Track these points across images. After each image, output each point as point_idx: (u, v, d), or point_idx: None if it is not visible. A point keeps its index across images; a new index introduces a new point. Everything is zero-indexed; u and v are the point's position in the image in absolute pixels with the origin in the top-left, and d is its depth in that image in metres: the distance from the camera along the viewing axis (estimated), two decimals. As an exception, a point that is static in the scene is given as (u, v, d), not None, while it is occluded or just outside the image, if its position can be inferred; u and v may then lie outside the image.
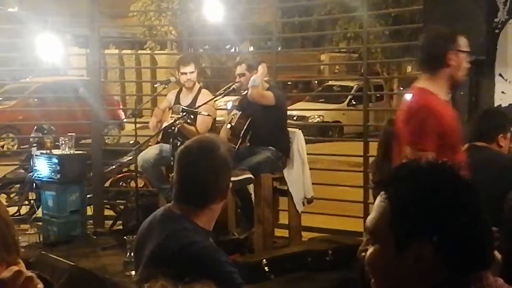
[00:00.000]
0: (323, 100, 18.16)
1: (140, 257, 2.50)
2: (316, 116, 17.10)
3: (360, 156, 7.05)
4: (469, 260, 1.37)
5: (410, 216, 1.38)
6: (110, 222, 7.52)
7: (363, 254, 1.47)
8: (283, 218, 6.54)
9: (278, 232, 6.58)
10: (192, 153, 2.45)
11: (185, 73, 6.23)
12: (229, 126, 5.99)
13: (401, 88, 19.46)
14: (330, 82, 20.18)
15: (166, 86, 7.03)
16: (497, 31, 5.54)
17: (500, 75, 5.61)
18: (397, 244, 1.38)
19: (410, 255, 1.37)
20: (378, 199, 1.44)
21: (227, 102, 13.68)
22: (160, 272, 1.13)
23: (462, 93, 5.83)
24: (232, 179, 2.56)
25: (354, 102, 17.31)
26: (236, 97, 6.22)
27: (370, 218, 1.46)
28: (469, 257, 1.37)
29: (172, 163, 5.53)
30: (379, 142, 4.29)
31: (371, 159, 6.89)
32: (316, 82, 20.78)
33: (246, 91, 6.07)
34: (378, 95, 17.38)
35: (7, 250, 3.13)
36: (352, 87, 17.85)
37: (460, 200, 1.38)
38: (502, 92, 5.59)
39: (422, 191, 1.38)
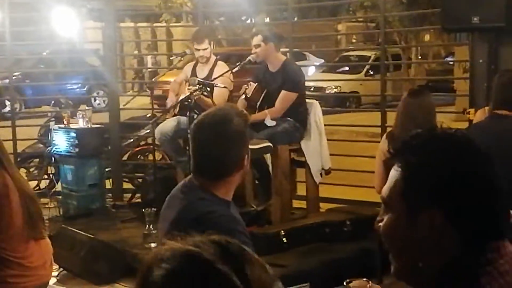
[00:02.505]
0: (340, 70, 18.06)
1: (161, 230, 2.54)
2: (333, 87, 17.02)
3: (378, 126, 7.02)
4: (481, 229, 1.36)
5: (421, 184, 1.37)
6: (129, 195, 7.58)
7: (379, 224, 1.48)
8: (301, 190, 6.55)
9: (296, 203, 6.60)
10: (204, 128, 2.47)
11: (199, 50, 6.24)
12: (243, 97, 5.99)
13: (419, 57, 19.31)
14: (347, 52, 20.04)
15: (182, 59, 7.02)
16: (517, -3, 5.46)
17: (520, 42, 5.53)
18: (409, 212, 1.38)
19: (422, 224, 1.36)
20: (393, 169, 1.44)
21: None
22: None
23: (481, 61, 5.77)
24: (251, 147, 2.57)
25: (371, 72, 17.20)
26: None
27: (385, 188, 1.46)
28: (481, 226, 1.36)
29: (189, 135, 5.56)
30: (398, 113, 4.24)
31: (389, 129, 6.87)
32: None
33: (261, 62, 6.06)
34: (396, 64, 17.24)
35: (33, 226, 3.18)
36: (370, 57, 17.73)
37: (470, 168, 1.37)
38: (522, 60, 5.52)
39: (433, 159, 1.38)
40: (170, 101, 6.30)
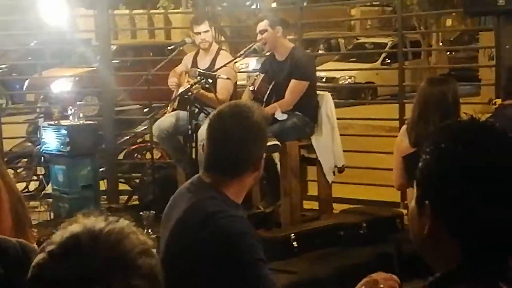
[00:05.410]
0: (354, 59, 18.02)
1: (164, 231, 2.55)
2: (347, 77, 16.99)
3: (396, 119, 7.02)
4: (485, 245, 1.31)
5: (430, 175, 1.36)
6: (125, 197, 7.61)
7: None
8: (312, 189, 6.56)
9: (307, 205, 6.61)
10: (224, 119, 2.52)
11: (199, 33, 6.23)
12: (251, 89, 5.99)
13: (441, 44, 19.25)
14: (362, 39, 20.01)
15: (182, 48, 7.03)
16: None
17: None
18: (417, 199, 1.39)
19: (423, 217, 1.36)
20: None
21: (248, 63, 13.66)
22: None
23: (507, 46, 5.77)
24: None
25: (388, 61, 17.17)
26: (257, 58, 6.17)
27: None
28: (484, 242, 1.31)
29: (189, 132, 5.58)
30: (416, 103, 4.27)
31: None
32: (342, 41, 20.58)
33: (269, 52, 6.06)
34: (415, 52, 17.19)
35: (21, 229, 3.18)
36: (386, 44, 17.69)
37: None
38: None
39: (448, 152, 1.35)
40: (172, 83, 6.28)
